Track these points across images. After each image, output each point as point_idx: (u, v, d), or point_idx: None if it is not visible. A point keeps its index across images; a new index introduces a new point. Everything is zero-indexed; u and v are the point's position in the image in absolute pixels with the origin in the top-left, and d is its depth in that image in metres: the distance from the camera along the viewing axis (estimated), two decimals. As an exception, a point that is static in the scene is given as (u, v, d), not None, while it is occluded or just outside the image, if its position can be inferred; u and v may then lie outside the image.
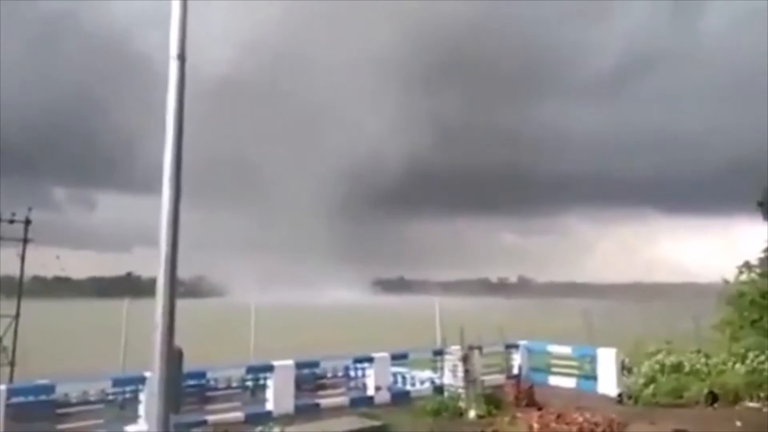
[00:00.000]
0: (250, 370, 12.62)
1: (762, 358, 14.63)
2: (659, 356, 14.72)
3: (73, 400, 10.48)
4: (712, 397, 13.37)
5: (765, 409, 13.01)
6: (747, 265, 17.32)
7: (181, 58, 6.26)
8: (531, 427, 11.28)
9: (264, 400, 12.42)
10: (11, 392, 9.95)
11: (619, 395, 14.01)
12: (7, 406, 9.65)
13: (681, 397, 13.48)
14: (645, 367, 14.48)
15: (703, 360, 14.95)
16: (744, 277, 17.27)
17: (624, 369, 14.76)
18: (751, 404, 13.27)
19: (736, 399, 13.40)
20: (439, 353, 14.66)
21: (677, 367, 14.55)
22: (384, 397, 13.79)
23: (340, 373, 13.76)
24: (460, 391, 12.90)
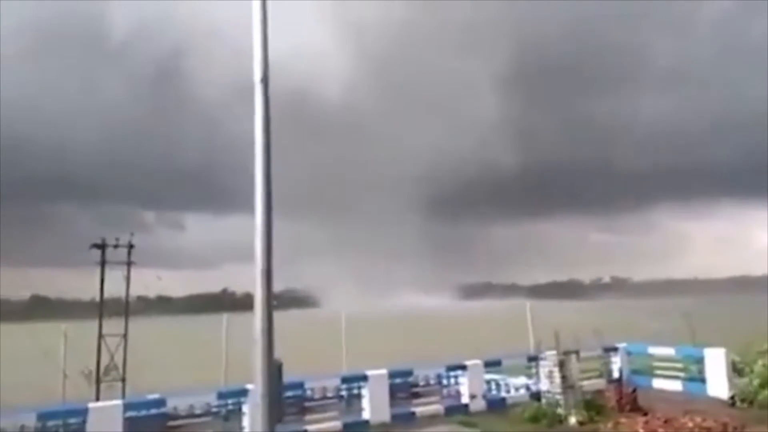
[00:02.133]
0: (345, 380, 12.79)
1: None
2: (775, 355, 13.72)
3: (182, 413, 10.99)
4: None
5: None
6: None
7: (265, 81, 6.50)
8: (636, 433, 10.82)
9: (360, 410, 12.54)
10: (126, 407, 10.58)
11: (732, 398, 13.17)
12: (124, 419, 10.28)
13: (802, 399, 12.49)
14: (758, 367, 13.52)
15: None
16: None
17: (735, 370, 13.86)
18: None
19: None
20: (533, 359, 14.29)
21: (795, 367, 13.50)
22: (479, 404, 13.60)
23: (433, 381, 13.68)
24: (558, 397, 12.53)
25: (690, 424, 10.97)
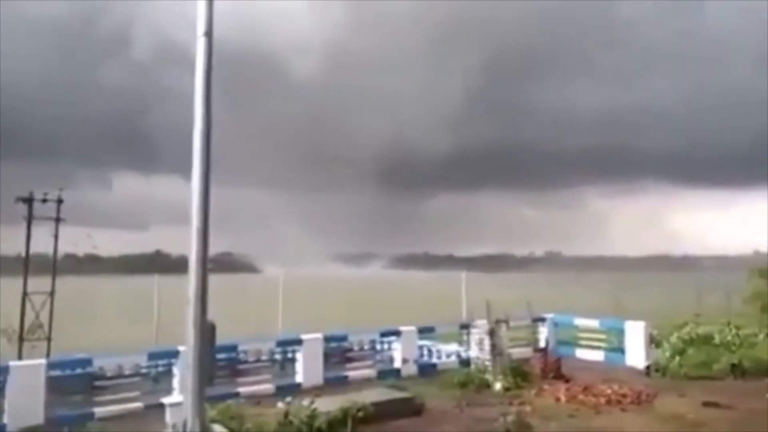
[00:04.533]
0: (280, 343, 12.84)
1: (794, 330, 14.44)
2: (688, 328, 14.61)
3: (109, 374, 10.79)
4: (742, 370, 13.26)
5: (797, 382, 12.86)
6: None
7: (209, 35, 6.26)
8: (558, 399, 11.35)
9: (294, 373, 12.66)
10: (50, 366, 10.28)
11: (647, 367, 13.96)
12: (47, 379, 10.00)
13: (710, 369, 13.37)
14: (674, 339, 14.38)
15: (733, 332, 14.79)
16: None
17: (652, 342, 14.67)
18: (782, 377, 13.12)
19: (767, 372, 13.26)
20: (465, 327, 14.74)
21: (706, 340, 14.43)
22: (411, 369, 13.95)
23: (367, 346, 13.92)
24: (487, 363, 12.98)
25: (608, 391, 11.59)
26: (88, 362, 10.58)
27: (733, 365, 13.34)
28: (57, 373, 10.23)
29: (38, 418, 9.73)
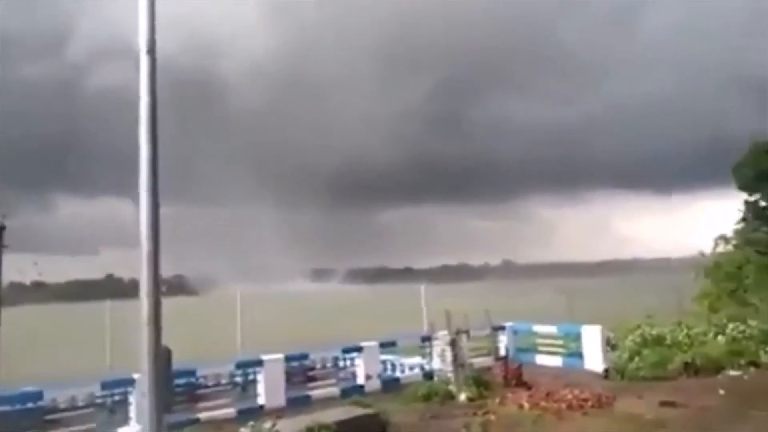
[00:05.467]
0: (240, 365, 12.58)
1: (741, 327, 14.99)
2: (641, 330, 15.00)
3: (62, 406, 10.33)
4: (695, 368, 13.67)
5: (746, 377, 13.35)
6: (723, 238, 17.69)
7: (152, 53, 6.10)
8: (521, 407, 11.45)
9: (255, 395, 12.40)
10: (-3, 401, 9.80)
11: (606, 371, 14.25)
12: (-6, 415, 9.52)
13: (665, 369, 13.74)
14: (628, 342, 14.74)
15: (684, 332, 15.27)
16: (720, 249, 17.65)
17: (609, 345, 15.00)
18: (733, 373, 13.59)
19: (719, 368, 13.72)
20: (427, 339, 14.76)
21: (659, 340, 14.85)
22: (375, 385, 13.86)
23: (329, 364, 13.76)
24: (450, 375, 13.02)
25: (569, 396, 11.76)
26: (38, 395, 10.10)
27: (686, 364, 13.75)
28: (4, 408, 9.74)
29: (-16, 458, 9.25)
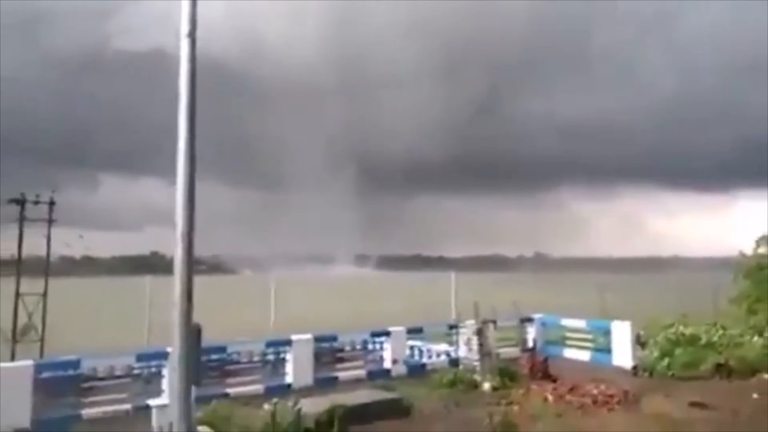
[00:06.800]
0: (270, 344, 12.90)
1: (779, 330, 14.58)
2: (674, 329, 14.74)
3: (99, 375, 10.82)
4: (728, 370, 13.39)
5: (781, 381, 13.01)
6: (765, 239, 17.18)
7: (192, 36, 6.28)
8: (545, 399, 11.46)
9: (284, 374, 12.72)
10: (39, 368, 10.33)
11: (634, 368, 14.09)
12: (35, 380, 10.04)
13: (697, 369, 13.50)
14: (660, 340, 14.51)
15: (720, 332, 14.94)
16: (762, 250, 17.15)
17: (639, 342, 14.80)
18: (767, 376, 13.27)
19: (754, 372, 13.39)
20: (454, 327, 14.84)
21: (693, 340, 14.54)
22: (400, 369, 14.04)
23: (357, 347, 13.99)
24: (475, 363, 13.09)
25: (594, 391, 11.70)
26: (76, 364, 10.61)
27: (720, 365, 13.47)
28: (45, 374, 10.27)
29: (25, 420, 9.76)
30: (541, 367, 13.36)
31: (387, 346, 14.16)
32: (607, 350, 15.12)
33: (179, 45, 6.21)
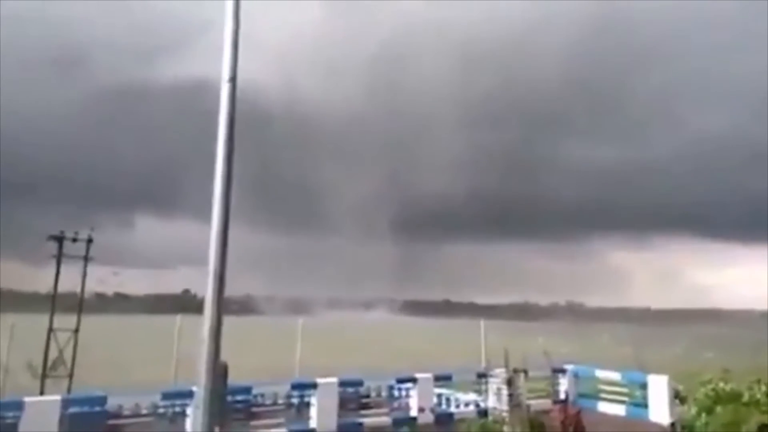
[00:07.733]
0: (295, 386, 12.76)
1: (828, 390, 13.87)
2: (714, 384, 14.15)
3: (125, 412, 10.81)
4: (773, 431, 12.75)
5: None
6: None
7: (233, 80, 6.47)
8: (577, 454, 11.04)
9: (308, 418, 12.51)
10: (65, 403, 10.37)
11: (672, 424, 13.52)
12: (62, 415, 10.08)
13: (738, 429, 12.87)
14: (699, 396, 13.93)
15: (763, 390, 14.27)
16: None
17: (677, 397, 14.24)
18: (815, 439, 12.58)
19: (800, 433, 12.73)
20: (483, 375, 14.50)
21: (735, 397, 13.92)
22: (427, 418, 13.69)
23: (383, 393, 13.72)
24: (505, 414, 12.72)
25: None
26: (103, 400, 10.63)
27: (764, 426, 12.83)
28: (72, 410, 10.30)
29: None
30: (574, 420, 12.94)
31: (413, 393, 13.86)
32: (644, 405, 14.52)
33: (221, 88, 6.41)
